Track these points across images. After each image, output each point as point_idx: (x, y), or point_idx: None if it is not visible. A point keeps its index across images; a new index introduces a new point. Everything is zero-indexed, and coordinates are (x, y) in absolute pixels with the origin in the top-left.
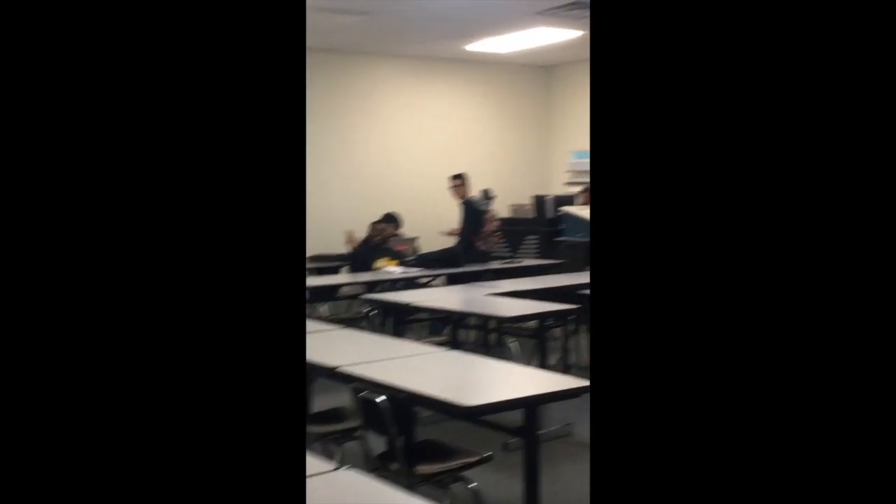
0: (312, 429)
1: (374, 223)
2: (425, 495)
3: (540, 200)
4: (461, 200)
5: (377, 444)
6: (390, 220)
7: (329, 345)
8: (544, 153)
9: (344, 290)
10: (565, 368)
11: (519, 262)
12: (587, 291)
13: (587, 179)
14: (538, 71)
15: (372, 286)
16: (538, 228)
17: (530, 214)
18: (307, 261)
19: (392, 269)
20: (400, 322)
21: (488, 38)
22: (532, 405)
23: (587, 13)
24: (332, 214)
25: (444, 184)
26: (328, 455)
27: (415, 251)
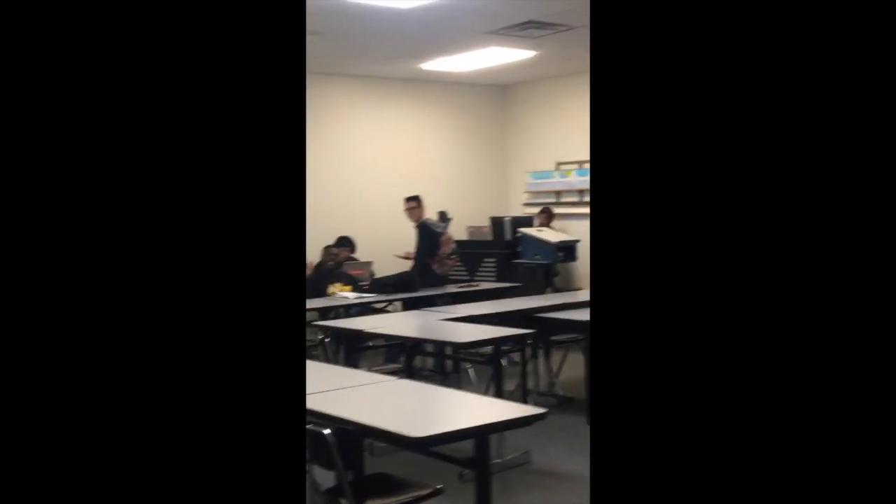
0: None
1: (328, 247)
2: None
3: (497, 222)
4: (416, 223)
5: (326, 478)
6: (344, 243)
7: None
8: (501, 174)
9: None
10: (523, 394)
11: (476, 285)
12: (545, 315)
13: (545, 200)
14: (494, 90)
15: (325, 312)
16: (496, 251)
17: (487, 237)
18: None
19: (346, 295)
20: (354, 349)
21: (443, 58)
22: (483, 435)
23: (541, 33)
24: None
25: (400, 206)
26: None
27: (371, 275)
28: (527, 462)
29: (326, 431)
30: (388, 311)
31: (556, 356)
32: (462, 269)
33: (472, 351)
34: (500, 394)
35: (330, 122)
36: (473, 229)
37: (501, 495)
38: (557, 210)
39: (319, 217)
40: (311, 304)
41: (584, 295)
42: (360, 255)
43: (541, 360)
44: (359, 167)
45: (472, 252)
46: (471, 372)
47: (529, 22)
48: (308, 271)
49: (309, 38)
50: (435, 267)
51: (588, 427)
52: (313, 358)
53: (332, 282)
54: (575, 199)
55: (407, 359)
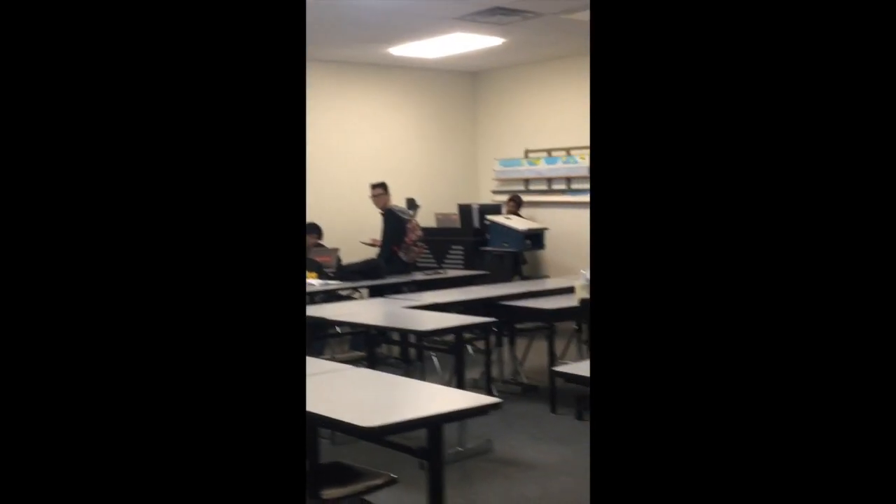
0: None
1: None
2: None
3: (465, 209)
4: (382, 209)
5: None
6: (311, 230)
7: None
8: (470, 161)
9: None
10: (487, 382)
11: (443, 273)
12: (512, 303)
13: (513, 188)
14: (464, 77)
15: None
16: (463, 238)
17: (455, 224)
18: None
19: (311, 282)
20: (317, 337)
21: (411, 43)
22: (436, 425)
23: (508, 20)
24: None
25: (368, 192)
26: None
27: (337, 262)
28: (488, 451)
29: None
30: (353, 299)
31: (522, 344)
32: (429, 256)
33: (437, 339)
34: (461, 382)
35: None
36: (441, 216)
37: (461, 484)
38: (526, 198)
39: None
40: None
41: (552, 283)
42: (327, 241)
43: (505, 349)
44: (326, 153)
45: (439, 239)
46: (435, 360)
47: (497, 8)
48: None
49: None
50: (401, 254)
51: (551, 415)
52: None
53: None
54: (543, 187)
55: (368, 347)
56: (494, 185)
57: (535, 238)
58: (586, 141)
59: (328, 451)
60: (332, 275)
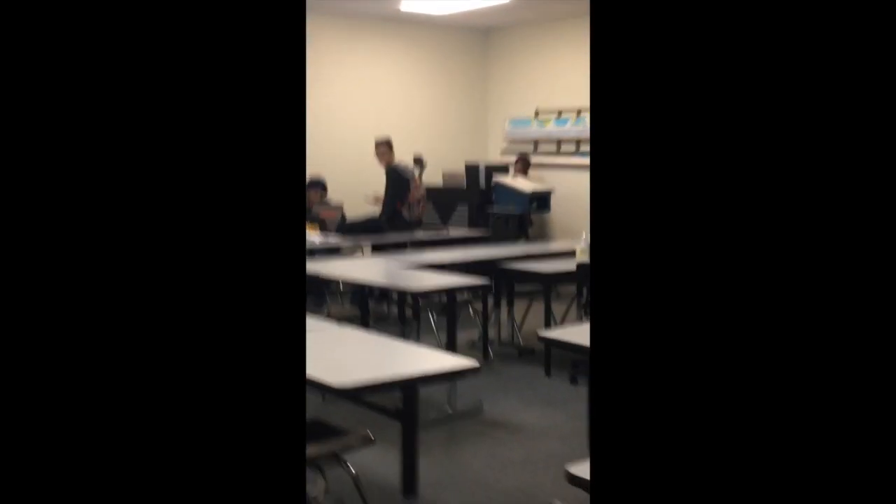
0: None
1: None
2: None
3: (472, 169)
4: (386, 167)
5: None
6: (316, 185)
7: None
8: (480, 120)
9: None
10: (484, 344)
11: (446, 232)
12: (510, 265)
13: (522, 149)
14: (476, 35)
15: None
16: (469, 198)
17: (461, 184)
18: None
19: (312, 238)
20: (317, 293)
21: None
22: (410, 387)
23: None
24: None
25: (373, 149)
26: None
27: (341, 218)
28: (478, 412)
29: None
30: (355, 255)
31: (521, 307)
32: (434, 215)
33: (434, 300)
34: (452, 342)
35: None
36: (448, 175)
37: (447, 445)
38: (535, 159)
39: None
40: None
41: (556, 246)
42: (332, 197)
43: (503, 310)
44: (333, 108)
45: (445, 198)
46: (432, 320)
47: None
48: None
49: None
50: (404, 212)
51: (545, 378)
52: None
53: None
54: (552, 148)
55: (361, 305)
56: (504, 146)
57: (542, 200)
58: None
59: (319, 409)
60: (333, 231)
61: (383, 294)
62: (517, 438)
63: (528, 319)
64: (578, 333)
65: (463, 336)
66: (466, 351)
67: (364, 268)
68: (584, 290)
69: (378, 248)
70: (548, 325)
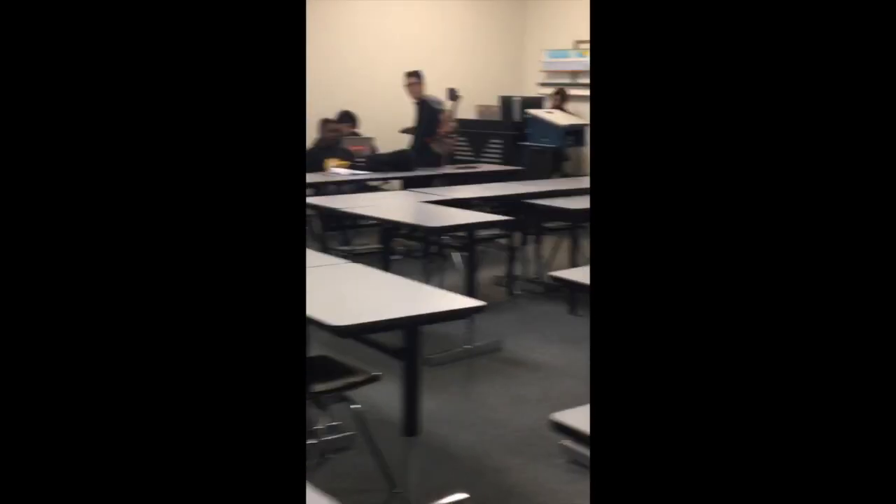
0: None
1: (326, 120)
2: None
3: (507, 101)
4: (416, 99)
5: None
6: (346, 118)
7: None
8: (517, 51)
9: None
10: (509, 281)
11: (476, 167)
12: (537, 201)
13: (561, 81)
14: None
15: (318, 188)
16: (503, 132)
17: (496, 116)
18: None
19: (339, 171)
20: (338, 227)
21: None
22: (411, 326)
23: None
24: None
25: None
26: None
27: (372, 151)
28: (497, 350)
29: None
30: (383, 190)
31: (550, 243)
32: (467, 149)
33: (459, 235)
34: (472, 281)
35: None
36: (482, 108)
37: (461, 381)
38: (573, 92)
39: (321, 90)
40: (307, 178)
41: (587, 181)
42: (364, 130)
43: (529, 247)
44: (365, 39)
45: (479, 132)
46: (455, 257)
47: None
48: (308, 145)
49: None
50: (434, 146)
51: (568, 316)
52: None
53: (330, 157)
54: (589, 82)
55: (383, 241)
56: (541, 78)
57: (577, 135)
58: None
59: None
60: (361, 165)
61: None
62: (535, 376)
63: (558, 257)
64: (586, 273)
65: (489, 273)
66: (491, 288)
67: (389, 203)
68: None
69: (408, 183)
70: (574, 264)
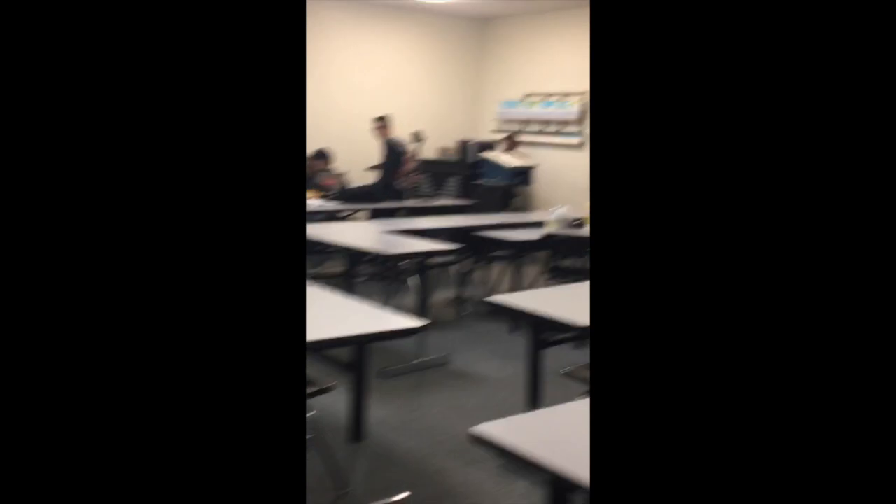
0: None
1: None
2: None
3: (464, 144)
4: (383, 141)
5: None
6: (321, 155)
7: None
8: (474, 101)
9: None
10: (458, 303)
11: (436, 200)
12: (486, 234)
13: (512, 128)
14: (472, 22)
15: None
16: (460, 171)
17: (454, 157)
18: None
19: (311, 202)
20: (313, 252)
21: None
22: (361, 343)
23: None
24: None
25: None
26: None
27: (343, 185)
28: (444, 364)
29: None
30: (352, 220)
31: (496, 269)
32: (428, 185)
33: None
34: (424, 302)
35: (313, 41)
36: (442, 150)
37: (410, 393)
38: (522, 137)
39: (325, 129)
40: None
41: (534, 216)
42: (337, 166)
43: (476, 272)
44: (340, 86)
45: (438, 170)
46: (410, 281)
47: None
48: None
49: None
50: (397, 182)
51: (507, 335)
52: None
53: (306, 189)
54: (538, 128)
55: (349, 266)
56: (494, 125)
57: (523, 174)
58: (579, 88)
59: None
60: (333, 197)
61: (375, 256)
62: (476, 388)
63: (504, 281)
64: (521, 298)
65: (442, 295)
66: (442, 308)
67: (355, 232)
68: (552, 257)
69: (374, 214)
70: (516, 288)
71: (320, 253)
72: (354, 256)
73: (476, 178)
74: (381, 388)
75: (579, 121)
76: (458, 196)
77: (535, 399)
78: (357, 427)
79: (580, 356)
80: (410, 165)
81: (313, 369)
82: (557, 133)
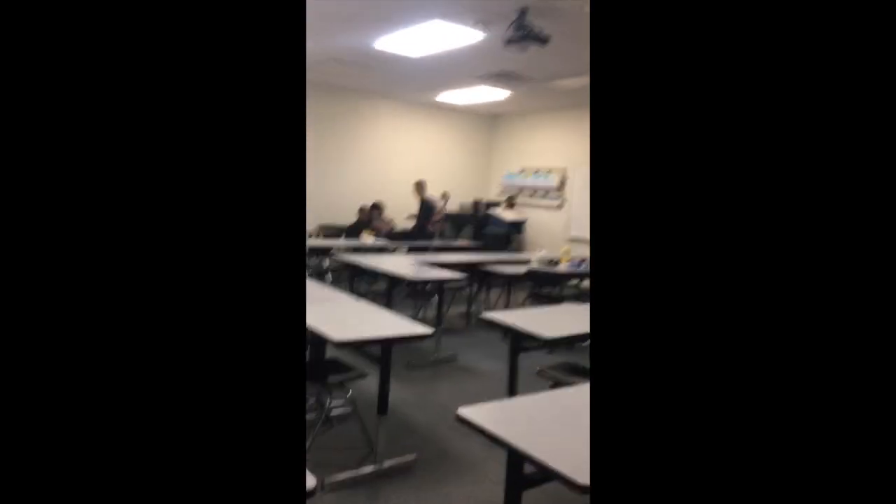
0: None
1: (362, 208)
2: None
3: (477, 202)
4: (420, 198)
5: None
6: (375, 207)
7: None
8: (486, 172)
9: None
10: (467, 316)
11: (454, 242)
12: (489, 268)
13: (511, 192)
14: (485, 118)
15: (356, 250)
16: (473, 221)
17: (469, 211)
18: (320, 229)
19: (367, 240)
20: (356, 276)
21: (448, 91)
22: (386, 343)
23: (510, 80)
24: (338, 200)
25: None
26: None
27: (391, 229)
28: (454, 360)
29: None
30: (395, 254)
31: (495, 293)
32: (450, 230)
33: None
34: (439, 317)
35: (375, 127)
36: (462, 206)
37: (428, 380)
38: (518, 199)
39: (363, 189)
40: (349, 243)
41: (524, 256)
42: (387, 214)
43: (482, 295)
44: (392, 158)
45: (458, 221)
46: (434, 299)
47: (502, 72)
48: (351, 222)
49: (361, 70)
50: (429, 228)
51: (500, 342)
52: (324, 280)
53: (364, 230)
54: (530, 193)
55: (389, 287)
56: (499, 189)
57: (517, 226)
58: (559, 165)
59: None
60: (381, 236)
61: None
62: (476, 378)
63: (500, 302)
64: (507, 316)
65: (456, 310)
66: (456, 319)
67: (396, 262)
68: (534, 286)
69: (410, 250)
70: (507, 307)
71: (372, 276)
72: (394, 280)
73: (484, 227)
74: (406, 376)
75: (559, 189)
76: (471, 239)
77: (511, 390)
78: (383, 404)
79: (551, 359)
80: (438, 216)
81: (355, 360)
82: (545, 197)
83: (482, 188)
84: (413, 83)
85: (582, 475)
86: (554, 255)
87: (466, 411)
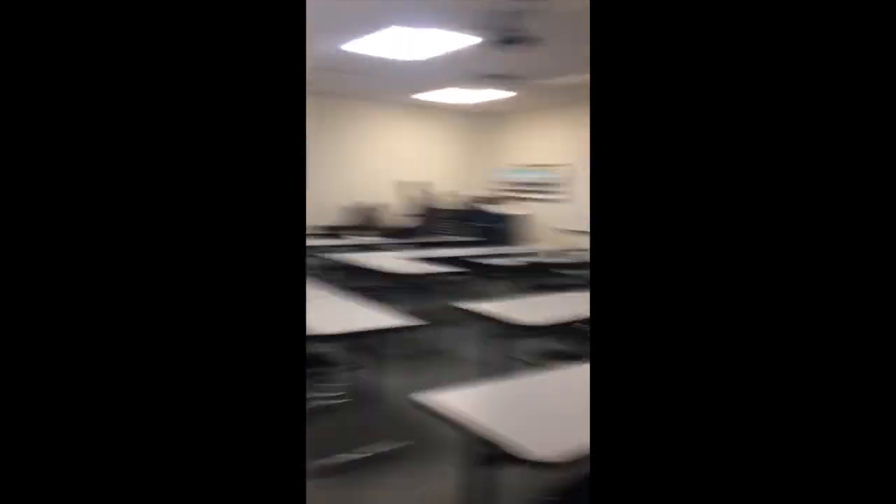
0: None
1: (362, 207)
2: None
3: (469, 199)
4: (410, 197)
5: None
6: (374, 208)
7: None
8: (477, 170)
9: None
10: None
11: (449, 237)
12: (477, 260)
13: (502, 188)
14: (481, 116)
15: (354, 247)
16: (467, 217)
17: (463, 207)
18: (319, 228)
19: (365, 238)
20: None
21: (441, 90)
22: (378, 334)
23: (499, 81)
24: (323, 199)
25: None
26: None
27: (388, 226)
28: (442, 349)
29: None
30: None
31: (486, 284)
32: (447, 227)
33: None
34: (428, 308)
35: (377, 129)
36: (456, 203)
37: (417, 367)
38: (508, 195)
39: (347, 191)
40: (345, 241)
41: (516, 250)
42: (383, 212)
43: (474, 285)
44: (393, 158)
45: (452, 217)
46: (430, 294)
47: (492, 74)
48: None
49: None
50: (423, 224)
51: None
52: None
53: (363, 228)
54: (520, 188)
55: (383, 283)
56: (491, 186)
57: (504, 219)
58: (551, 161)
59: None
60: (374, 234)
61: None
62: (461, 365)
63: (488, 293)
64: (488, 307)
65: (455, 303)
66: (448, 312)
67: (388, 259)
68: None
69: (406, 247)
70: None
71: (366, 273)
72: (388, 276)
73: (477, 221)
74: (402, 364)
75: (555, 184)
76: (465, 234)
77: (486, 375)
78: (378, 391)
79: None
80: (429, 212)
81: (352, 352)
82: (534, 192)
83: (474, 185)
84: (404, 84)
85: (539, 450)
86: (553, 247)
87: (422, 396)
